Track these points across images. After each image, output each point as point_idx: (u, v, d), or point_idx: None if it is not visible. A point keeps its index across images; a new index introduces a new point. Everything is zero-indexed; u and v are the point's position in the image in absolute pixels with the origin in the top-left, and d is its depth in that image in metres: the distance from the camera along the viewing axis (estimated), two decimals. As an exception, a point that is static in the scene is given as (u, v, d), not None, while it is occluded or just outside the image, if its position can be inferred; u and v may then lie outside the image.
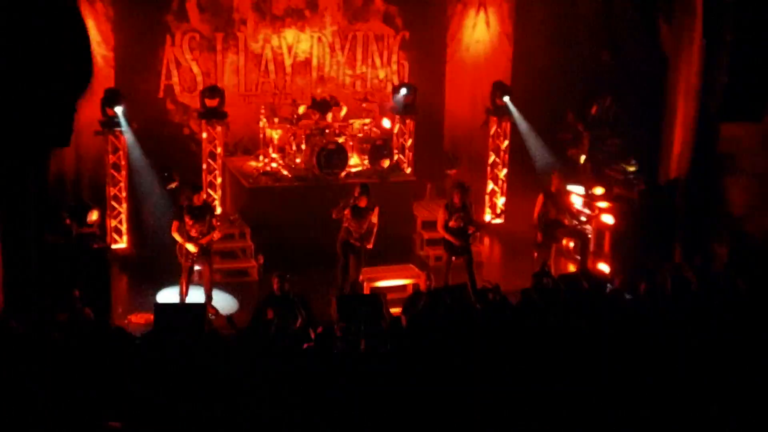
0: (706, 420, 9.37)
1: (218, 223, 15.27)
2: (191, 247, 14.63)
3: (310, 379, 9.73)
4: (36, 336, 10.78)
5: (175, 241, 14.77)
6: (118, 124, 16.84)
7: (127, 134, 17.03)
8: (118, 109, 16.79)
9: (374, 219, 15.12)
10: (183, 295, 14.81)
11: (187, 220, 14.61)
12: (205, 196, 15.75)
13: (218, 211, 17.51)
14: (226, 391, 9.58)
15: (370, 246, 15.16)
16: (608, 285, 13.15)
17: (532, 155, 19.42)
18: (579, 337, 10.75)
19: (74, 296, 12.30)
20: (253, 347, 10.90)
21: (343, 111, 18.11)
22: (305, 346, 10.88)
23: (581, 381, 9.88)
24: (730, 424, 9.38)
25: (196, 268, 15.01)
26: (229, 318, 12.18)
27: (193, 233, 14.66)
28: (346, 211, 14.93)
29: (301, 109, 17.92)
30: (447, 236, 15.36)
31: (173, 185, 17.20)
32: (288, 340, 11.25)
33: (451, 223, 15.28)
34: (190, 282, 14.83)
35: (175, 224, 14.67)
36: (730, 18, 14.28)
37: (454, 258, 15.50)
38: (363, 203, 15.01)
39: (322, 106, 17.91)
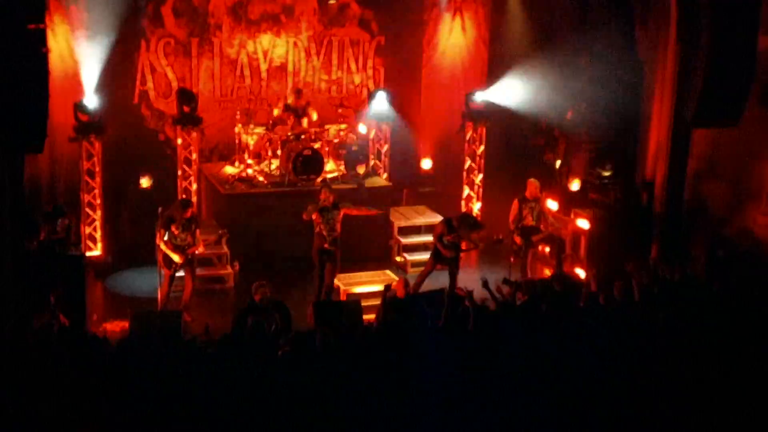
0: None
1: (202, 238, 15.11)
2: (176, 257, 14.59)
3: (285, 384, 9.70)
4: (10, 342, 10.69)
5: (153, 249, 14.71)
6: (92, 130, 16.71)
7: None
8: None
9: (344, 213, 15.06)
10: (161, 303, 14.76)
11: (174, 229, 14.58)
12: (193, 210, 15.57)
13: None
14: (203, 398, 9.53)
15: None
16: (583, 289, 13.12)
17: None
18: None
19: (50, 302, 12.21)
20: (231, 354, 10.85)
21: (314, 116, 18.03)
22: (280, 352, 10.83)
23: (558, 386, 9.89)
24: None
25: (179, 274, 14.93)
26: (206, 326, 12.09)
27: (180, 242, 14.63)
28: (315, 215, 14.81)
29: (276, 112, 17.88)
30: (440, 247, 15.27)
31: (147, 186, 17.20)
32: (263, 346, 11.19)
33: (447, 238, 15.21)
34: (170, 290, 14.80)
35: (161, 233, 14.62)
36: (705, 22, 14.28)
37: (438, 266, 15.45)
38: (330, 200, 14.91)
39: (296, 109, 17.86)
